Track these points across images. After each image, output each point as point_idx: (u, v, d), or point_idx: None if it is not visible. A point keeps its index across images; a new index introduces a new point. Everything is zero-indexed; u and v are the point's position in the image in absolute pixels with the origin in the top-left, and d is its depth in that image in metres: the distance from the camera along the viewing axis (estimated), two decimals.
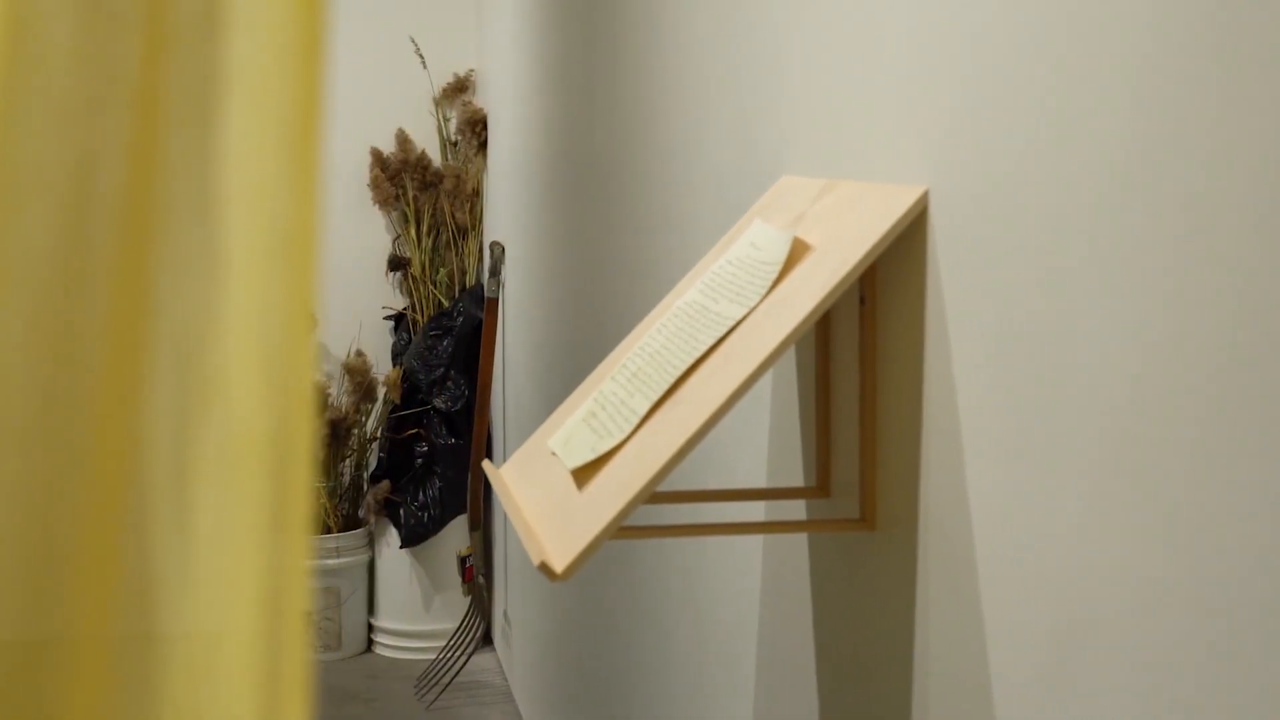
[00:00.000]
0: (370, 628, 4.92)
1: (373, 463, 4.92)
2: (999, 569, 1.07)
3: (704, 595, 1.98)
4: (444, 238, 4.90)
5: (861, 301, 1.32)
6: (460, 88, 4.94)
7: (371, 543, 4.89)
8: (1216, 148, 0.77)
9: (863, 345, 1.32)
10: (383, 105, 4.95)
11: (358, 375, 4.78)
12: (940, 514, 1.17)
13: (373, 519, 4.85)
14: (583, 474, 1.32)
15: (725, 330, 1.31)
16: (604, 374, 1.48)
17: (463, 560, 4.63)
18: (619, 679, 2.66)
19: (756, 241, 1.41)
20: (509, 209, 4.25)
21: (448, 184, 4.86)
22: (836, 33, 1.40)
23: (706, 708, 1.96)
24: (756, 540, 1.71)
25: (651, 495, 1.53)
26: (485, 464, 1.53)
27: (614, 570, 2.66)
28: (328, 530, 4.79)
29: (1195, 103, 0.79)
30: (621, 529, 1.27)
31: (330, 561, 4.77)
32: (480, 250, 4.88)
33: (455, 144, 4.97)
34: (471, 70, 4.98)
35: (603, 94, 2.68)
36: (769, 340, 1.21)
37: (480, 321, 4.58)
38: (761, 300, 1.30)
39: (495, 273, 4.38)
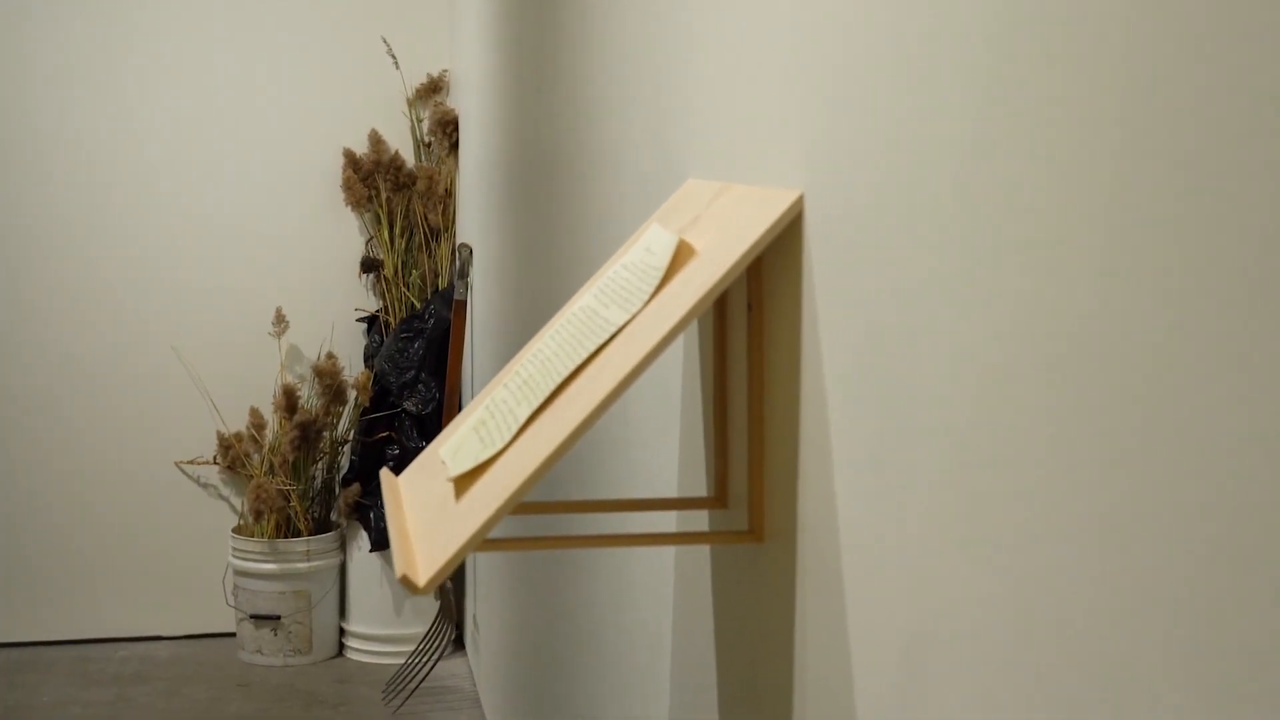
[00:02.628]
0: (341, 632, 4.89)
1: (344, 465, 4.89)
2: (861, 583, 1.04)
3: (628, 602, 1.95)
4: (417, 239, 4.87)
5: (749, 308, 1.29)
6: (434, 88, 4.91)
7: (343, 546, 4.86)
8: (1058, 159, 0.74)
9: (750, 353, 1.29)
10: (356, 106, 4.92)
11: (327, 377, 4.75)
12: (815, 527, 1.14)
13: (344, 522, 4.82)
14: (462, 483, 1.29)
15: (608, 336, 1.28)
16: (501, 380, 1.45)
17: None
18: (572, 684, 2.63)
19: (650, 246, 1.38)
20: (477, 211, 4.23)
21: (421, 185, 4.84)
22: (731, 38, 1.37)
23: (629, 714, 1.93)
24: (671, 549, 1.67)
25: (563, 506, 1.50)
26: (384, 472, 1.50)
27: (571, 573, 2.63)
28: (298, 533, 4.76)
29: (1038, 113, 0.76)
30: (497, 541, 1.24)
31: (301, 565, 4.74)
32: (453, 252, 4.85)
33: (428, 145, 4.94)
34: (445, 70, 4.95)
35: (548, 94, 2.66)
36: (641, 347, 1.18)
37: (450, 324, 4.55)
38: (644, 305, 1.27)
39: (463, 275, 4.35)
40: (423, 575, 1.14)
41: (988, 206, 0.81)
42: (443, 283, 4.84)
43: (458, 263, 4.43)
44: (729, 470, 1.40)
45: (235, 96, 4.89)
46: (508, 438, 1.28)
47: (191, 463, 4.98)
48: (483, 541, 1.16)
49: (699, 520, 1.53)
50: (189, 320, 4.93)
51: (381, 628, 4.81)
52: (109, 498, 4.97)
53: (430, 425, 4.66)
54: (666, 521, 1.71)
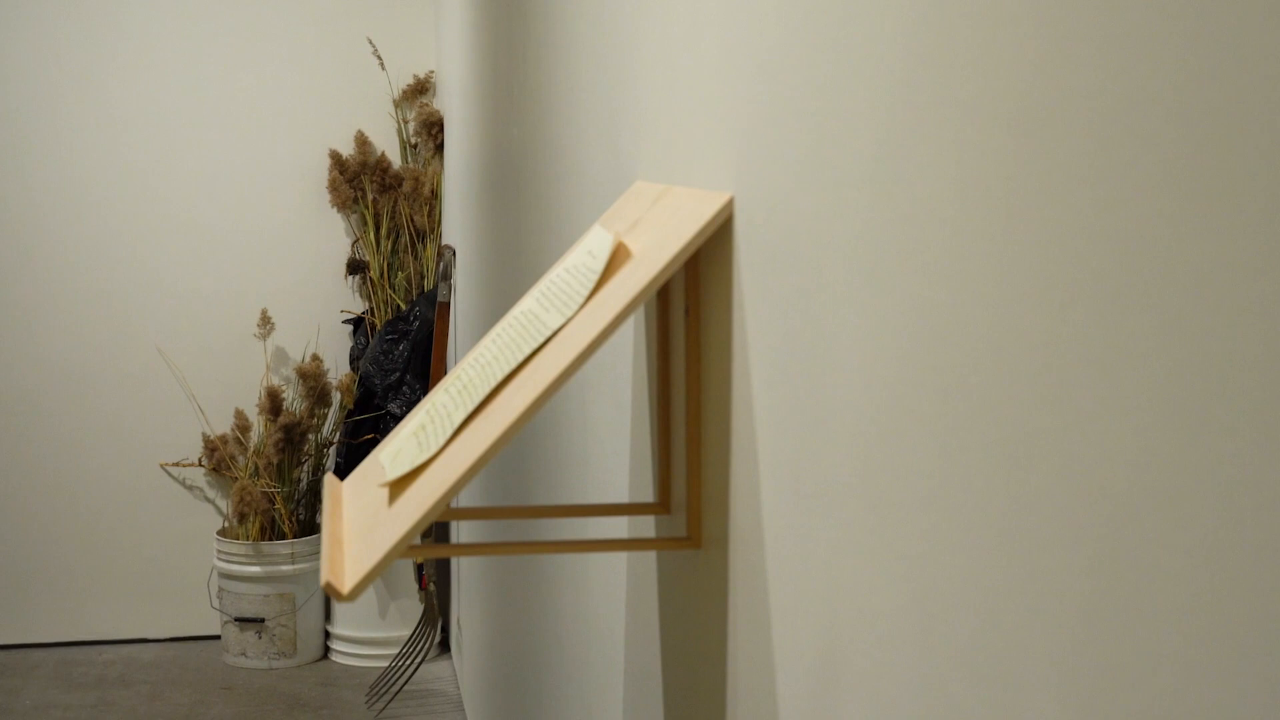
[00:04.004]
0: (326, 634, 4.87)
1: (329, 467, 4.87)
2: (784, 591, 1.02)
3: (588, 605, 1.94)
4: (403, 241, 4.86)
5: (686, 313, 1.28)
6: (420, 89, 4.90)
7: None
8: (960, 168, 0.72)
9: (688, 359, 1.27)
10: (342, 107, 4.90)
11: (311, 379, 4.73)
12: (744, 534, 1.12)
13: None
14: (397, 488, 1.27)
15: (544, 339, 1.26)
16: (445, 384, 1.44)
17: (419, 567, 4.58)
18: (542, 687, 2.62)
19: (591, 248, 1.36)
20: (460, 212, 4.21)
21: (406, 187, 4.82)
22: (671, 42, 1.36)
23: (590, 716, 1.92)
24: (624, 554, 1.66)
25: (505, 512, 1.48)
26: (328, 476, 1.48)
27: (539, 577, 2.62)
28: (283, 536, 4.75)
29: (941, 124, 0.74)
30: (423, 547, 1.22)
31: (285, 568, 4.72)
32: (438, 254, 4.83)
33: (414, 146, 4.92)
34: (431, 71, 4.93)
35: (519, 97, 2.64)
36: (571, 351, 1.16)
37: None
38: (580, 308, 1.26)
39: (446, 276, 4.33)
40: (348, 582, 1.13)
41: (890, 214, 0.79)
42: (428, 284, 4.83)
43: (441, 264, 4.41)
44: (671, 476, 1.38)
45: (222, 97, 4.87)
46: (442, 442, 1.27)
47: (177, 465, 4.96)
48: (411, 547, 1.14)
49: (649, 525, 1.51)
50: (174, 322, 4.92)
51: (366, 630, 4.79)
52: (94, 499, 4.95)
53: None
54: (621, 527, 1.70)
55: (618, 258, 1.27)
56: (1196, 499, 0.53)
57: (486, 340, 1.40)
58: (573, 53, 1.97)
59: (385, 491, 1.29)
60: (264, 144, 4.89)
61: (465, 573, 4.27)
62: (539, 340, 1.27)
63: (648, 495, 1.51)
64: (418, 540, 4.63)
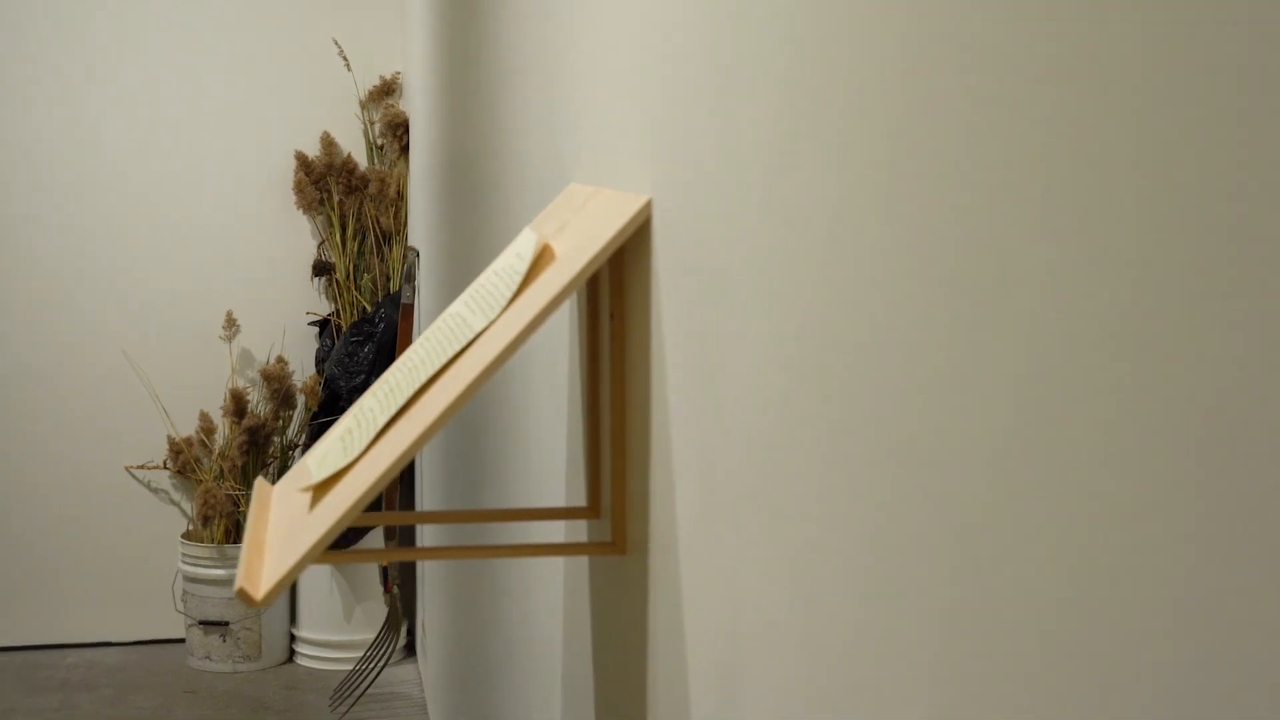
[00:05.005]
0: (292, 638, 4.85)
1: None
2: (695, 598, 1.02)
3: (531, 608, 1.93)
4: (369, 243, 4.84)
5: (611, 317, 1.27)
6: (387, 90, 4.88)
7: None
8: (842, 172, 0.71)
9: (613, 364, 1.26)
10: (308, 108, 4.89)
11: (275, 382, 4.72)
12: (663, 540, 1.11)
13: None
14: (318, 492, 1.26)
15: (468, 341, 1.25)
16: (374, 388, 1.43)
17: (384, 570, 4.57)
18: (493, 689, 2.61)
19: (519, 250, 1.35)
20: (425, 214, 4.20)
21: (373, 188, 4.81)
22: (601, 43, 1.35)
23: (531, 718, 1.91)
24: (563, 558, 1.65)
25: (429, 516, 1.47)
26: (258, 481, 1.47)
27: (490, 580, 2.61)
28: None
29: (831, 120, 0.73)
30: (337, 553, 1.21)
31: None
32: (404, 255, 4.82)
33: (380, 148, 4.91)
34: (398, 72, 4.92)
35: (473, 99, 2.63)
36: (489, 353, 1.15)
37: None
38: (503, 310, 1.25)
39: (410, 279, 4.32)
40: (262, 588, 1.12)
41: (778, 219, 0.79)
42: (394, 286, 4.81)
43: (406, 266, 4.40)
44: (601, 481, 1.37)
45: (187, 98, 4.85)
46: (365, 445, 1.26)
47: (142, 467, 4.94)
48: (326, 552, 1.13)
49: (583, 530, 1.51)
50: (140, 324, 4.90)
51: (332, 634, 4.78)
52: (59, 502, 4.92)
53: None
54: (563, 531, 1.69)
55: (543, 260, 1.26)
56: (1051, 506, 0.52)
57: (416, 343, 1.39)
58: (517, 53, 1.96)
59: (309, 496, 1.28)
60: (230, 145, 4.87)
61: (429, 576, 4.25)
62: (463, 342, 1.26)
63: (583, 500, 1.50)
64: (387, 543, 4.62)
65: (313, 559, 1.11)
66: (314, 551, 1.10)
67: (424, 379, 1.26)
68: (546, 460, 1.75)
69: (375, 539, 4.64)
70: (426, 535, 4.33)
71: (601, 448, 1.35)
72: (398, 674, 4.64)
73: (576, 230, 1.28)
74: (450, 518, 1.35)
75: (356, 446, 1.28)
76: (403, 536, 4.57)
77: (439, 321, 1.38)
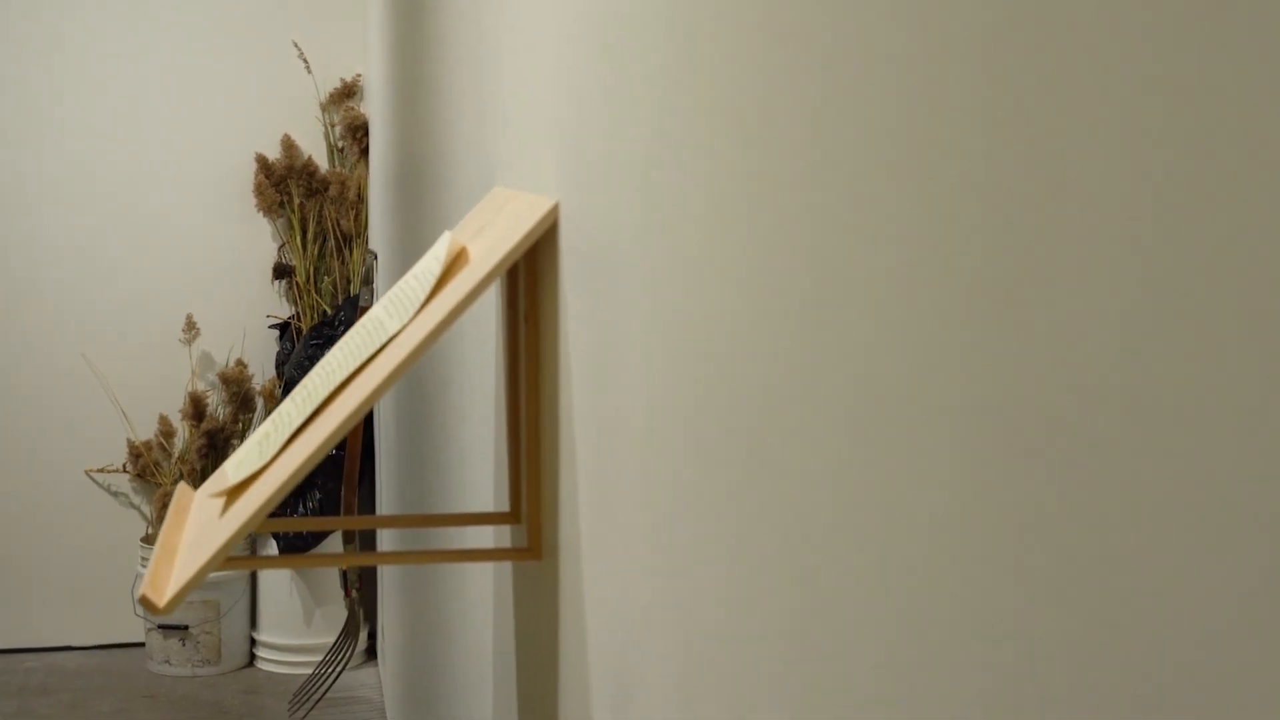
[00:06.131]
0: (252, 641, 4.83)
1: None
2: (594, 605, 1.01)
3: (469, 612, 1.92)
4: (329, 245, 4.82)
5: (525, 321, 1.26)
6: (348, 92, 4.87)
7: (253, 555, 4.80)
8: (711, 174, 0.71)
9: (528, 369, 1.26)
10: (269, 110, 4.87)
11: (234, 385, 4.70)
12: (570, 545, 1.11)
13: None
14: (231, 497, 1.25)
15: (382, 344, 1.25)
16: (294, 392, 1.42)
17: (344, 574, 4.55)
18: (445, 694, 2.60)
19: (436, 253, 1.34)
20: (382, 216, 4.19)
21: (333, 191, 4.79)
22: (521, 46, 1.34)
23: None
24: (493, 564, 1.64)
25: (343, 522, 1.47)
26: (181, 485, 1.46)
27: (443, 586, 2.60)
28: None
29: (698, 130, 0.73)
30: (240, 559, 1.20)
31: (210, 574, 4.67)
32: (365, 258, 4.80)
33: (341, 150, 4.89)
34: (359, 75, 4.90)
35: (420, 98, 2.62)
36: (398, 354, 1.15)
37: None
38: (417, 313, 1.24)
39: (368, 281, 4.30)
40: (166, 595, 1.11)
41: (657, 221, 0.78)
42: (354, 289, 4.80)
43: (364, 269, 4.39)
44: (521, 486, 1.36)
45: (147, 101, 4.83)
46: (278, 448, 1.25)
47: (101, 471, 4.91)
48: (230, 558, 1.12)
49: (509, 535, 1.50)
50: (99, 327, 4.87)
51: (292, 637, 4.76)
52: (18, 506, 4.89)
53: None
54: (491, 536, 1.68)
55: (459, 262, 1.25)
56: (883, 512, 0.51)
57: (336, 346, 1.38)
58: (454, 58, 1.95)
59: (222, 501, 1.27)
60: (190, 148, 4.85)
61: (387, 580, 4.24)
62: (378, 345, 1.25)
63: (508, 505, 1.49)
64: (346, 547, 4.60)
65: (214, 566, 1.10)
66: (216, 559, 1.09)
67: (338, 382, 1.25)
68: (480, 465, 1.75)
69: (335, 543, 4.63)
70: (385, 540, 4.31)
71: (521, 453, 1.35)
72: (358, 678, 4.63)
73: (493, 233, 1.27)
74: (369, 523, 1.34)
75: (271, 450, 1.27)
76: (364, 541, 4.55)
77: (358, 325, 1.37)
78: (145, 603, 1.09)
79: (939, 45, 0.47)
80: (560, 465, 1.13)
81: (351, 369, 1.25)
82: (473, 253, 1.25)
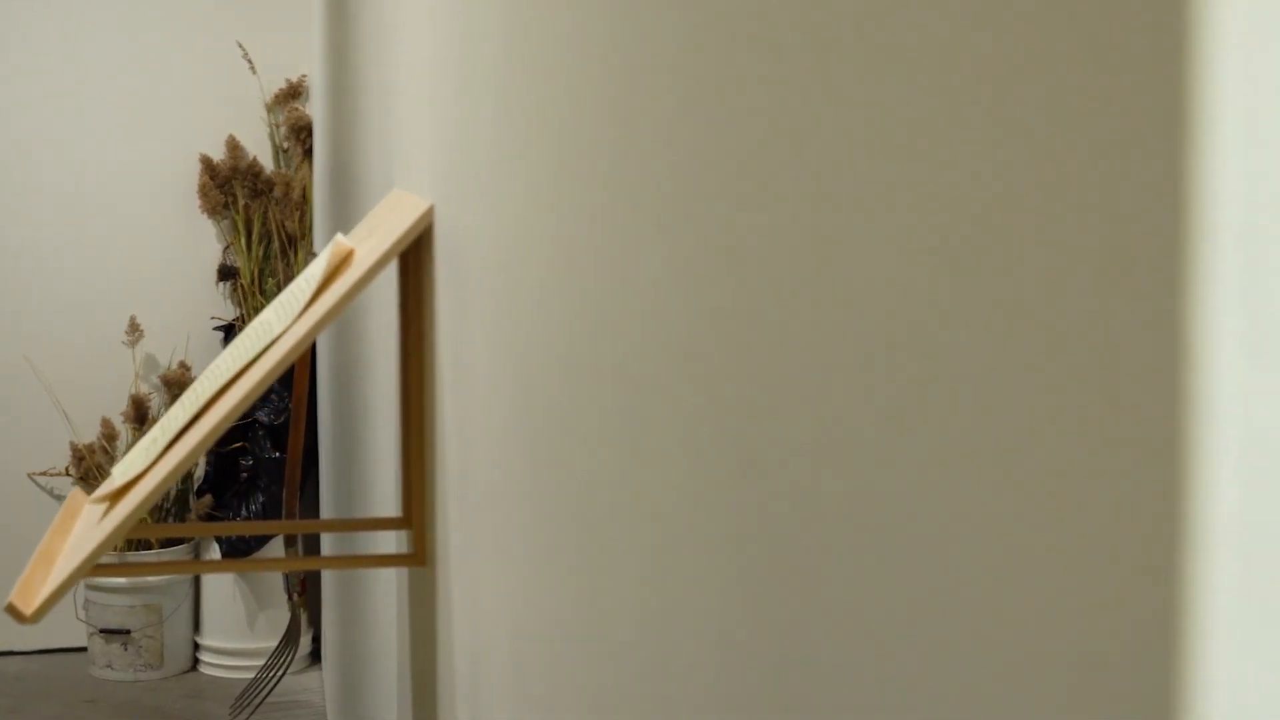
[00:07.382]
0: (196, 646, 4.79)
1: (199, 476, 4.80)
2: (467, 607, 1.00)
3: (384, 617, 1.91)
4: (274, 247, 4.80)
5: (408, 323, 1.25)
6: (293, 93, 4.84)
7: (196, 558, 4.77)
8: (559, 176, 0.70)
9: (409, 375, 1.25)
10: (213, 111, 4.83)
11: (177, 387, 4.66)
12: (444, 551, 1.10)
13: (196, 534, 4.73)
14: (113, 501, 1.24)
15: (265, 345, 1.24)
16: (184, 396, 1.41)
17: (287, 578, 4.52)
18: (373, 697, 2.59)
19: (324, 256, 1.33)
20: (326, 218, 4.17)
21: (278, 192, 4.76)
22: (414, 50, 1.34)
23: None
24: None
25: (211, 528, 1.45)
26: (75, 490, 1.45)
27: (370, 589, 2.59)
28: (149, 545, 4.67)
29: (532, 138, 0.72)
30: (109, 566, 1.19)
31: (152, 578, 4.64)
32: (308, 260, 4.78)
33: (286, 150, 4.86)
34: (304, 75, 4.87)
35: (350, 104, 2.61)
36: (275, 356, 1.14)
37: None
38: (300, 313, 1.23)
39: None
40: (34, 604, 1.09)
41: (503, 225, 0.77)
42: None
43: None
44: (411, 491, 1.36)
45: (90, 100, 4.79)
46: (160, 451, 1.24)
47: (44, 474, 4.87)
48: (98, 566, 1.10)
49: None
50: (42, 329, 4.83)
51: (236, 641, 4.73)
52: None
53: (283, 435, 4.58)
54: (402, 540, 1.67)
55: (345, 263, 1.24)
56: (645, 509, 0.51)
57: (226, 349, 1.37)
58: (369, 62, 1.94)
59: (104, 506, 1.25)
60: (133, 148, 4.82)
61: (327, 584, 4.22)
62: (262, 346, 1.24)
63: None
64: (287, 550, 4.57)
65: (83, 574, 1.08)
66: (84, 567, 1.08)
67: (222, 383, 1.24)
68: (386, 468, 1.74)
69: (276, 548, 4.60)
70: (327, 544, 4.29)
71: (409, 459, 1.34)
72: (301, 682, 4.60)
73: (379, 235, 1.26)
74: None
75: (154, 451, 1.25)
76: (307, 546, 4.53)
77: (249, 327, 1.36)
78: (11, 611, 1.08)
79: (720, 59, 0.47)
80: (438, 472, 1.12)
81: (235, 370, 1.24)
82: (359, 254, 1.24)
